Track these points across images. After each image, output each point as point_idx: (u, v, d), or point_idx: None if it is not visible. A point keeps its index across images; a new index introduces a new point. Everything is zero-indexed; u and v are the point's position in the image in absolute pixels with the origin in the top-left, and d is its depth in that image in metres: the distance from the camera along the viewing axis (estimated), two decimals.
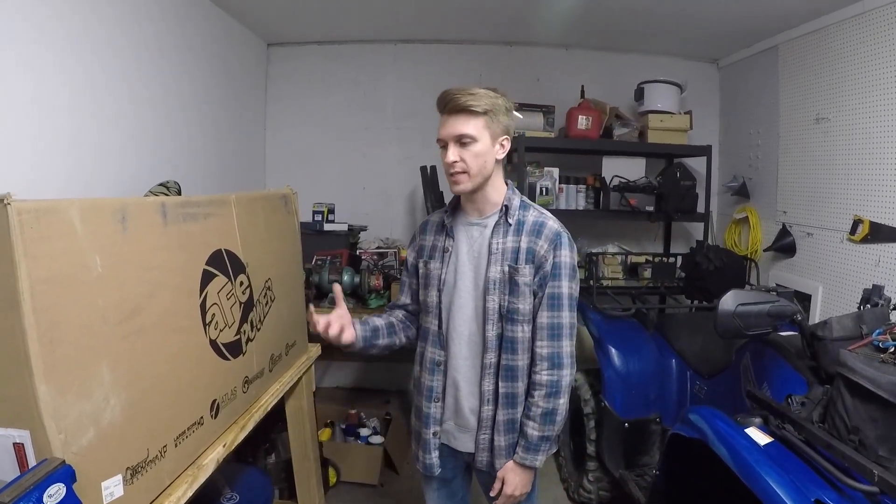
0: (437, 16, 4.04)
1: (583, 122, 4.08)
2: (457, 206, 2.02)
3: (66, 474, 1.18)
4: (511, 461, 1.88)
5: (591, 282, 3.62)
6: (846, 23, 3.30)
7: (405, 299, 2.14)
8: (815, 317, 3.46)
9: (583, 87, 4.35)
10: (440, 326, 1.95)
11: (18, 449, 1.21)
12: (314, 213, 4.16)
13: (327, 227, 4.12)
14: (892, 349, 1.62)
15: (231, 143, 4.03)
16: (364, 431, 3.93)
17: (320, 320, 1.87)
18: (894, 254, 2.99)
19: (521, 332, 1.86)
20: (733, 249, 4.24)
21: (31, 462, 1.21)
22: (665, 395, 3.13)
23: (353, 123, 4.74)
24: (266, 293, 2.25)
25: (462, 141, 1.78)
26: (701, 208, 4.19)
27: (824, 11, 3.41)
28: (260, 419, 2.15)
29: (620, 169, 4.19)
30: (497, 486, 1.90)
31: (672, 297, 4.00)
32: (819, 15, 3.47)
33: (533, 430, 1.85)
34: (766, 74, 4.12)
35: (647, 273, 4.12)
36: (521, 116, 4.18)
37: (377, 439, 3.85)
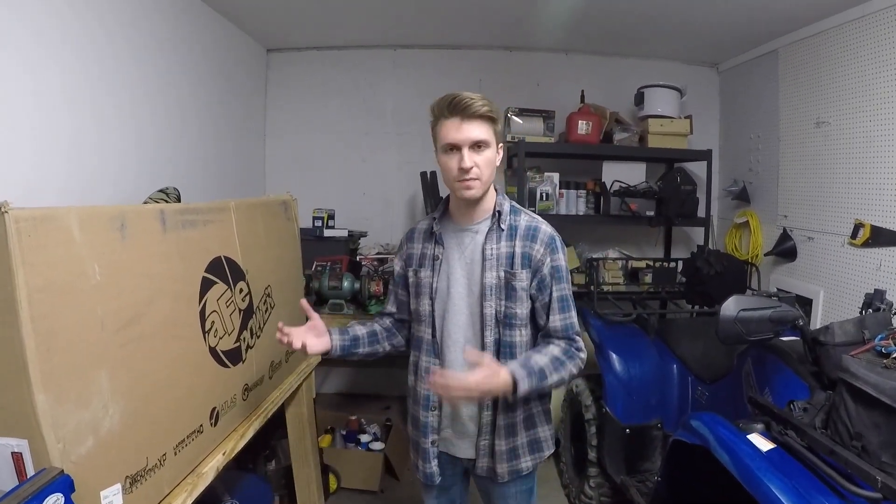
0: (437, 21, 4.04)
1: (583, 126, 4.08)
2: (444, 213, 2.01)
3: (64, 484, 1.17)
4: (504, 368, 1.71)
5: (592, 287, 3.62)
6: (846, 26, 3.30)
7: (391, 308, 2.13)
8: (817, 321, 3.45)
9: (583, 91, 4.35)
10: (434, 335, 1.94)
11: (17, 458, 1.20)
12: (314, 218, 4.15)
13: (327, 232, 4.11)
14: (895, 354, 1.61)
15: (230, 148, 4.03)
16: (364, 438, 3.92)
17: (283, 339, 1.82)
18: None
19: (519, 336, 1.87)
20: (734, 254, 4.23)
21: (30, 471, 1.20)
22: (666, 400, 3.12)
23: (352, 129, 4.74)
24: (266, 300, 2.25)
25: (478, 147, 1.78)
26: (701, 213, 4.19)
27: (824, 15, 3.41)
28: (260, 426, 2.14)
29: (621, 174, 4.19)
30: (473, 356, 1.71)
31: (673, 302, 4.00)
32: (819, 18, 3.47)
33: (538, 360, 1.79)
34: (766, 78, 4.12)
35: (648, 278, 4.12)
36: (520, 121, 4.18)
37: (377, 445, 3.84)
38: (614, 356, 3.12)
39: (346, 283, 3.55)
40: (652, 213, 4.11)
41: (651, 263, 4.10)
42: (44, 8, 2.25)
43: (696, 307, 3.76)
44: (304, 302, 1.94)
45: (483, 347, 1.87)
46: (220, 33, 3.80)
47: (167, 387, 1.58)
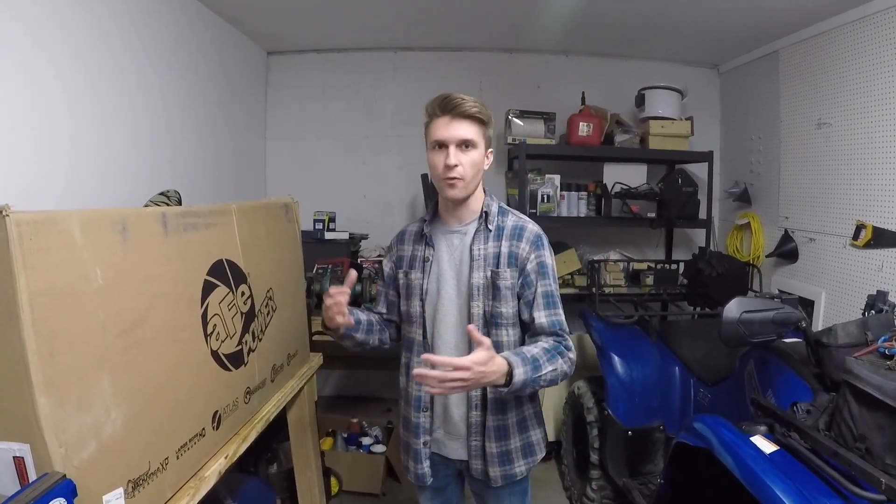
0: (437, 23, 4.04)
1: (584, 128, 4.08)
2: (434, 215, 2.03)
3: (66, 489, 1.17)
4: (501, 356, 1.68)
5: (594, 289, 3.62)
6: (847, 27, 3.30)
7: (381, 308, 2.14)
8: (819, 323, 3.44)
9: (583, 93, 4.35)
10: (425, 336, 1.95)
11: (18, 462, 1.20)
12: (315, 221, 4.15)
13: (328, 235, 4.10)
14: None
15: (231, 150, 4.02)
16: (366, 440, 3.92)
17: (339, 301, 1.79)
18: None
19: (507, 335, 1.89)
20: (735, 255, 4.23)
21: (32, 476, 1.20)
22: (668, 402, 3.12)
23: (353, 131, 4.74)
24: (267, 303, 2.25)
25: (465, 146, 1.80)
26: (703, 214, 4.20)
27: (825, 16, 3.41)
28: (262, 430, 2.14)
29: (622, 175, 4.19)
30: (477, 336, 1.62)
31: (674, 304, 4.00)
32: (820, 19, 3.47)
33: (530, 350, 1.77)
34: (766, 79, 4.12)
35: (650, 280, 4.12)
36: (521, 123, 4.18)
37: (379, 448, 3.84)
38: (616, 358, 3.12)
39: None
40: (653, 215, 4.11)
41: (652, 265, 4.10)
42: (44, 10, 2.25)
43: (698, 309, 3.76)
44: (353, 273, 1.86)
45: (471, 347, 1.86)
46: (220, 35, 3.80)
47: (169, 390, 1.57)
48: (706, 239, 4.24)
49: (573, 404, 3.64)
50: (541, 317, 1.86)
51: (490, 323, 1.87)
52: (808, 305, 3.51)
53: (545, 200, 4.08)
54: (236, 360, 1.97)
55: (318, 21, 3.99)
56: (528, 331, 1.91)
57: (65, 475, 1.19)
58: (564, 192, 4.25)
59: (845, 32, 3.32)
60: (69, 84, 2.41)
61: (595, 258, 4.14)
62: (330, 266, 3.77)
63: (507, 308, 1.87)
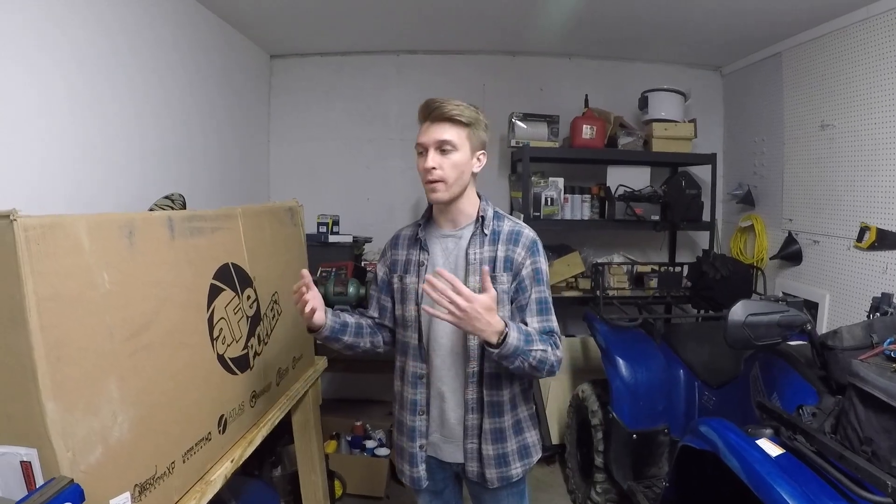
0: (440, 26, 4.05)
1: (587, 131, 4.08)
2: (429, 219, 2.04)
3: (74, 493, 1.17)
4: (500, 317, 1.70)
5: (598, 292, 3.62)
6: (850, 28, 3.30)
7: (373, 312, 2.13)
8: (823, 325, 3.44)
9: (587, 96, 4.36)
10: (420, 340, 1.95)
11: (26, 467, 1.20)
12: (318, 224, 4.16)
13: (332, 238, 4.11)
14: None
15: (235, 154, 4.03)
16: (370, 443, 3.92)
17: (308, 301, 1.83)
18: None
19: None
20: (739, 258, 4.22)
21: (39, 480, 1.20)
22: (673, 405, 3.11)
23: (356, 135, 4.74)
24: (273, 307, 2.25)
25: (443, 148, 1.81)
26: (706, 217, 4.20)
27: (828, 17, 3.41)
28: (267, 433, 2.14)
29: (625, 178, 4.19)
30: (487, 283, 1.66)
31: (678, 306, 3.99)
32: (823, 21, 3.47)
33: (524, 326, 1.80)
34: (769, 81, 4.12)
35: (654, 283, 4.11)
36: (525, 126, 4.18)
37: (383, 451, 3.84)
38: (621, 361, 3.12)
39: (351, 289, 3.54)
40: (657, 218, 4.11)
41: (656, 268, 4.10)
42: (49, 17, 2.26)
43: (702, 311, 3.76)
44: (305, 272, 1.87)
45: (467, 351, 1.89)
46: (224, 39, 3.81)
47: (176, 394, 1.58)
48: (710, 241, 4.24)
49: (577, 407, 3.63)
50: (533, 322, 1.86)
51: None
52: (812, 308, 3.51)
53: (549, 203, 4.08)
54: (242, 363, 1.97)
55: (322, 24, 4.00)
56: None
57: (72, 480, 1.19)
58: (568, 195, 4.25)
59: (848, 34, 3.33)
60: (74, 89, 2.42)
61: (599, 261, 4.14)
62: (334, 269, 3.77)
63: (503, 311, 1.86)
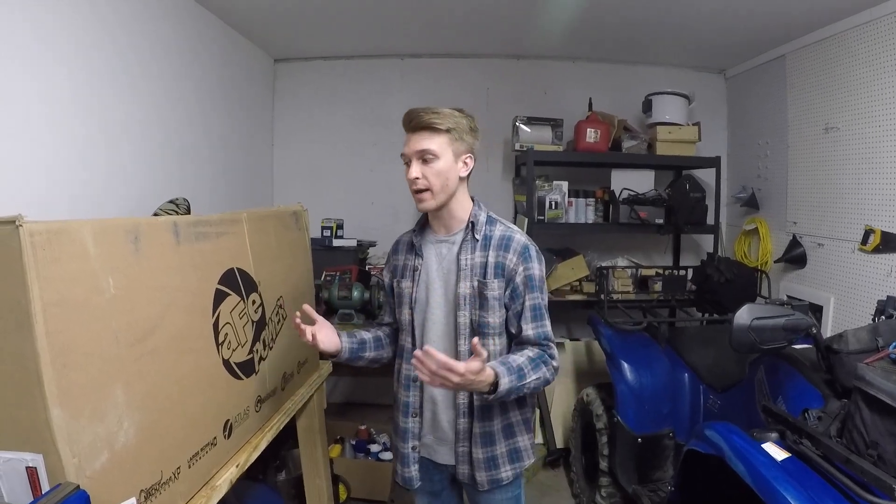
0: (444, 30, 4.06)
1: (591, 134, 4.08)
2: (425, 225, 2.05)
3: (80, 499, 1.17)
4: (489, 365, 1.69)
5: (602, 296, 3.62)
6: (854, 31, 3.29)
7: (388, 318, 2.19)
8: (828, 329, 3.43)
9: (590, 99, 4.36)
10: (414, 343, 1.98)
11: (31, 473, 1.20)
12: (323, 228, 4.16)
13: (336, 242, 4.12)
14: None
15: (239, 158, 4.05)
16: (374, 447, 3.92)
17: (307, 330, 1.86)
18: None
19: (493, 344, 1.90)
20: (743, 261, 4.22)
21: (45, 486, 1.20)
22: (678, 409, 3.11)
23: (360, 138, 4.76)
24: (278, 311, 2.25)
25: (424, 157, 1.82)
26: (710, 220, 4.18)
27: (832, 20, 3.41)
28: (272, 438, 2.14)
29: (629, 182, 4.19)
30: (478, 349, 1.62)
31: (683, 310, 3.99)
32: (826, 24, 3.47)
33: (515, 359, 1.80)
34: (773, 84, 4.11)
35: (658, 286, 4.10)
36: (529, 130, 4.18)
37: (387, 455, 3.83)
38: (625, 365, 3.12)
39: (355, 293, 3.55)
40: (661, 221, 4.10)
41: (661, 271, 4.09)
42: (55, 21, 2.28)
43: (707, 315, 3.75)
44: (307, 307, 1.95)
45: (457, 356, 1.89)
46: (228, 43, 3.82)
47: (181, 399, 1.58)
48: (714, 245, 4.24)
49: (582, 411, 3.63)
50: (528, 329, 1.88)
51: (477, 332, 1.89)
52: (816, 311, 3.49)
53: (553, 207, 4.08)
54: (247, 368, 1.97)
55: (325, 29, 4.01)
56: (515, 339, 1.93)
57: (78, 486, 1.19)
58: (572, 199, 4.25)
59: (852, 36, 3.32)
60: (79, 93, 2.43)
61: (603, 264, 4.14)
62: (338, 273, 3.78)
63: (494, 318, 1.88)
